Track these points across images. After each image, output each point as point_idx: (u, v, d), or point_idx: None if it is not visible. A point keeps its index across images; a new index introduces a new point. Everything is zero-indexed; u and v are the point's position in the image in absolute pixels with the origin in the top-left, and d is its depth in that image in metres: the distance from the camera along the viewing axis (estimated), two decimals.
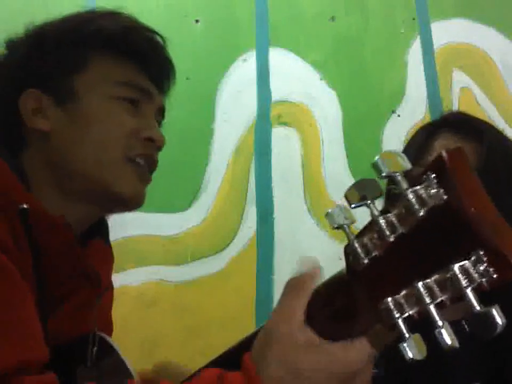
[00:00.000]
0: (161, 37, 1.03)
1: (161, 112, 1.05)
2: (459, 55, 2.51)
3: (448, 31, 2.54)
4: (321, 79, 2.45)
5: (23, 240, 0.81)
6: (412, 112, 2.39)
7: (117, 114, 0.94)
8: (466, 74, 2.48)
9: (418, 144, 1.21)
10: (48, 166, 0.92)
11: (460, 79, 2.47)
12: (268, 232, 2.22)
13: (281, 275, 2.14)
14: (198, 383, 0.66)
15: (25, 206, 0.81)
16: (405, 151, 1.23)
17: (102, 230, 1.04)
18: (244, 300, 2.12)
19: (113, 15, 1.01)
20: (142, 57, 0.99)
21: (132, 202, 0.95)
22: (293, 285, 0.66)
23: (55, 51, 0.95)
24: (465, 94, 2.45)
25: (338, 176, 2.30)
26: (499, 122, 2.40)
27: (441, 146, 1.19)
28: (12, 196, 0.82)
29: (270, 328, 0.65)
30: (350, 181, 2.32)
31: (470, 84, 2.47)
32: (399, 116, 2.40)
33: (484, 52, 2.52)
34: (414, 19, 2.55)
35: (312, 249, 2.17)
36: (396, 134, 2.33)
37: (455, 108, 2.42)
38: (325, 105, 2.41)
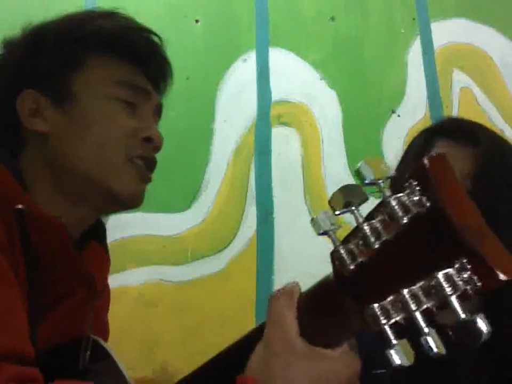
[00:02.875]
0: (158, 36, 1.03)
1: (158, 111, 1.05)
2: (459, 55, 2.51)
3: (448, 31, 2.53)
4: (321, 79, 2.44)
5: (17, 241, 0.81)
6: (412, 112, 2.39)
7: (115, 115, 0.94)
8: (466, 74, 2.48)
9: (416, 153, 1.20)
10: (46, 167, 0.92)
11: (459, 79, 2.47)
12: (268, 232, 2.22)
13: (281, 275, 2.14)
14: None
15: (21, 206, 0.81)
16: (404, 159, 1.23)
17: (99, 233, 1.04)
18: (244, 300, 2.12)
19: (110, 15, 1.01)
20: (140, 57, 0.99)
21: (131, 202, 0.95)
22: (281, 298, 0.65)
23: (52, 51, 0.95)
24: (465, 94, 2.45)
25: (338, 176, 2.30)
26: (499, 122, 2.40)
27: None
28: (9, 196, 0.82)
29: (268, 343, 0.64)
30: (350, 181, 2.32)
31: (470, 84, 2.47)
32: (399, 116, 2.40)
33: (484, 52, 2.51)
34: (414, 19, 2.55)
35: (312, 249, 2.16)
36: (395, 134, 2.33)
37: (455, 107, 2.41)
38: (325, 105, 2.41)
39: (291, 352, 0.62)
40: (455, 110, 2.41)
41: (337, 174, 2.31)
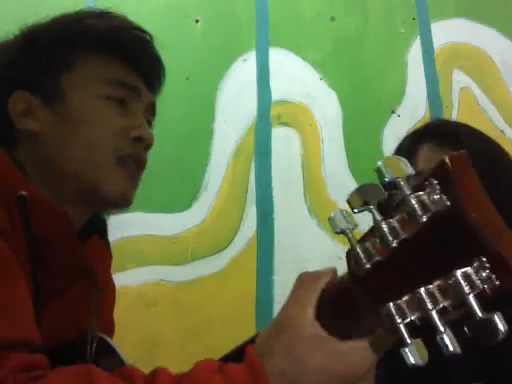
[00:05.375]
0: (150, 35, 1.03)
1: (151, 110, 1.05)
2: (459, 55, 2.52)
3: (448, 31, 2.54)
4: (321, 79, 2.45)
5: (20, 228, 0.81)
6: (412, 112, 2.40)
7: (105, 114, 0.94)
8: (466, 74, 2.49)
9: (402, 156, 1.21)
10: (38, 166, 0.92)
11: (460, 79, 2.48)
12: (268, 232, 2.22)
13: (281, 275, 2.14)
14: (196, 373, 0.64)
15: (23, 193, 0.81)
16: None
17: (99, 228, 1.04)
18: (244, 300, 2.12)
19: (101, 15, 1.01)
20: (130, 56, 0.99)
21: (120, 203, 0.95)
22: (306, 279, 0.65)
23: (43, 52, 0.95)
24: (465, 94, 2.46)
25: (338, 176, 2.30)
26: (499, 122, 2.41)
27: (424, 158, 1.20)
28: (11, 182, 0.82)
29: (280, 320, 0.64)
30: (350, 181, 2.33)
31: (470, 84, 2.47)
32: (399, 116, 2.40)
33: (484, 51, 2.52)
34: (414, 19, 2.55)
35: (312, 249, 2.17)
36: (395, 134, 2.32)
37: (455, 107, 2.42)
38: (325, 105, 2.41)
39: (298, 333, 0.61)
40: (455, 110, 2.42)
41: (337, 174, 2.31)
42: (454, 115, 2.39)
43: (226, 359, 0.77)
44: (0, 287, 0.72)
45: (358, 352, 0.60)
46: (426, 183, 0.46)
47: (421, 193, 0.46)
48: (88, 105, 0.94)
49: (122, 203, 0.95)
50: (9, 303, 0.72)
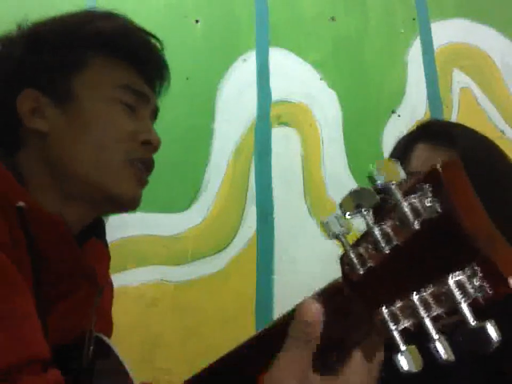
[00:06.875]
0: (157, 38, 1.03)
1: (155, 114, 1.06)
2: (459, 55, 2.51)
3: (448, 31, 2.54)
4: (321, 79, 2.44)
5: (20, 238, 0.81)
6: (412, 112, 2.39)
7: (115, 117, 0.94)
8: (466, 74, 2.48)
9: (396, 157, 1.21)
10: (45, 166, 0.92)
11: (460, 79, 2.47)
12: (268, 232, 2.22)
13: (281, 275, 2.14)
14: None
15: (21, 204, 0.81)
16: None
17: (98, 229, 1.04)
18: (244, 300, 2.12)
19: (109, 17, 1.01)
20: (138, 60, 1.00)
21: (129, 205, 0.96)
22: (297, 336, 0.60)
23: (52, 50, 0.95)
24: (465, 94, 2.45)
25: (338, 176, 2.30)
26: (499, 122, 2.40)
27: (417, 158, 1.20)
28: (9, 194, 0.82)
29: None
30: (350, 181, 2.32)
31: (470, 84, 2.47)
32: (399, 116, 2.40)
33: (484, 51, 2.52)
34: (414, 19, 2.55)
35: (312, 249, 2.16)
36: (396, 134, 2.28)
37: (455, 107, 2.42)
38: (325, 105, 2.41)
39: None
40: (455, 110, 2.42)
41: (337, 174, 2.31)
42: (454, 115, 2.39)
43: (225, 362, 0.77)
44: (10, 305, 0.72)
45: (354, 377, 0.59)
46: (418, 188, 0.46)
47: (413, 200, 0.46)
48: (98, 107, 0.94)
49: (131, 205, 0.96)
50: (22, 321, 0.72)
